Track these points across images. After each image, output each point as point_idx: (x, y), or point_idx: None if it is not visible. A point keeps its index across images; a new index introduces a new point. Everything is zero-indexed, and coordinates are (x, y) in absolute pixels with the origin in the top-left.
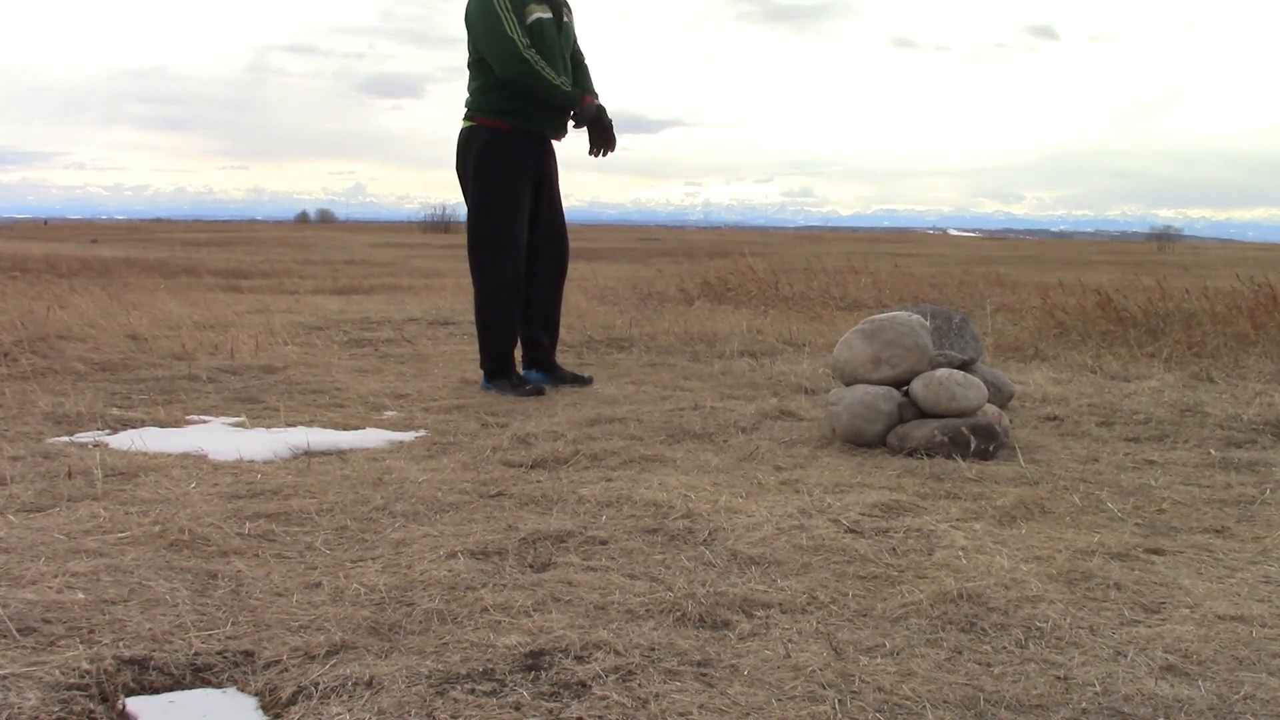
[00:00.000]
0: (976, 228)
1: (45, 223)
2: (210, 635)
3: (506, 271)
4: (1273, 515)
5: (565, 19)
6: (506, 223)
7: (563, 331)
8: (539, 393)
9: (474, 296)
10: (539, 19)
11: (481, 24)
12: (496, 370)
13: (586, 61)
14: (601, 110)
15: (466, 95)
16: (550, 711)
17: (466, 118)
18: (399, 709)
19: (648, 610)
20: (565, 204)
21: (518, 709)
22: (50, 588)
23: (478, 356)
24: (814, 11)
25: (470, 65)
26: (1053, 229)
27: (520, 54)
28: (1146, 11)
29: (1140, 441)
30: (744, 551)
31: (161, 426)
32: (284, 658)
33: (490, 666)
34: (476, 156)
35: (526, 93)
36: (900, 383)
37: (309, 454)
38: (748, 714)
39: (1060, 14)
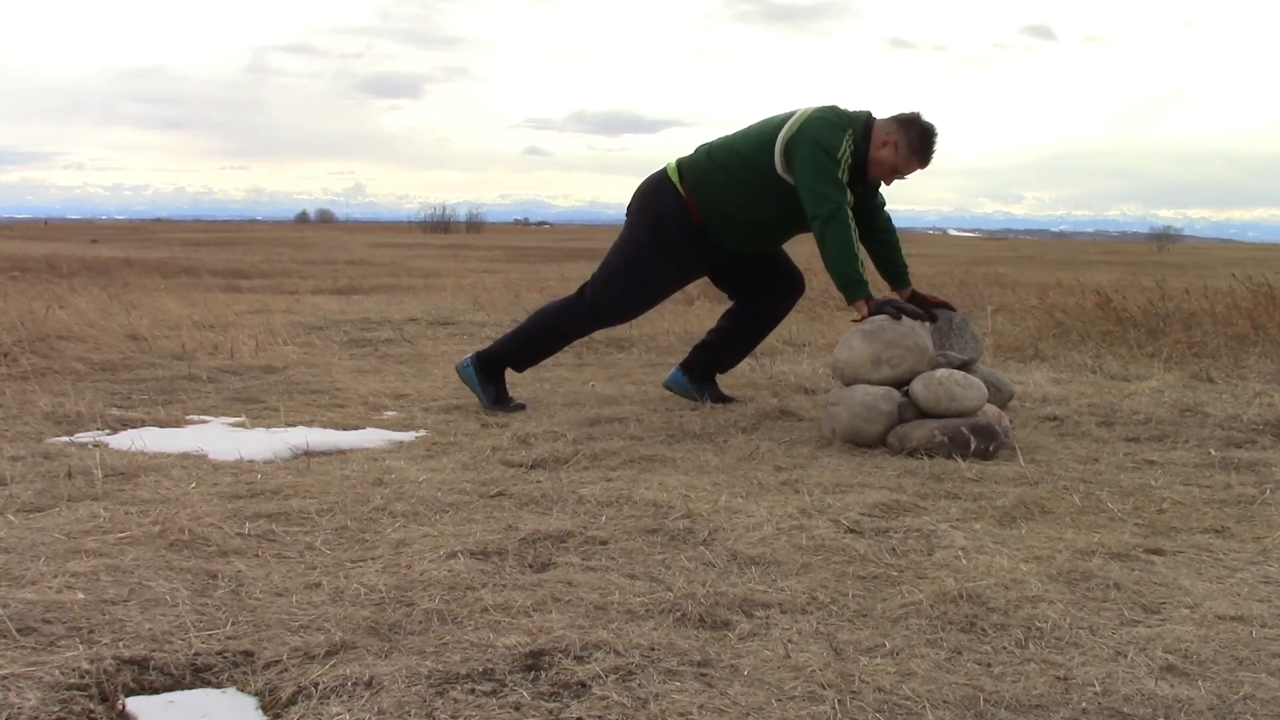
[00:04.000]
0: (976, 228)
1: (45, 223)
2: (210, 635)
3: (603, 319)
4: (1273, 515)
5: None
6: (641, 293)
7: None
8: (520, 408)
9: (562, 303)
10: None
11: (811, 162)
12: (496, 371)
13: None
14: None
15: (694, 154)
16: (550, 711)
17: (674, 171)
18: (399, 709)
19: (648, 610)
20: (564, 204)
21: (518, 709)
22: (50, 588)
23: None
24: (812, 11)
25: (728, 147)
26: (1052, 229)
27: (843, 203)
28: (1142, 12)
29: (1140, 441)
30: (744, 551)
31: (161, 426)
32: (284, 658)
33: (490, 666)
34: (655, 214)
35: (821, 246)
36: (900, 383)
37: (309, 454)
38: (748, 714)
39: (1057, 14)
